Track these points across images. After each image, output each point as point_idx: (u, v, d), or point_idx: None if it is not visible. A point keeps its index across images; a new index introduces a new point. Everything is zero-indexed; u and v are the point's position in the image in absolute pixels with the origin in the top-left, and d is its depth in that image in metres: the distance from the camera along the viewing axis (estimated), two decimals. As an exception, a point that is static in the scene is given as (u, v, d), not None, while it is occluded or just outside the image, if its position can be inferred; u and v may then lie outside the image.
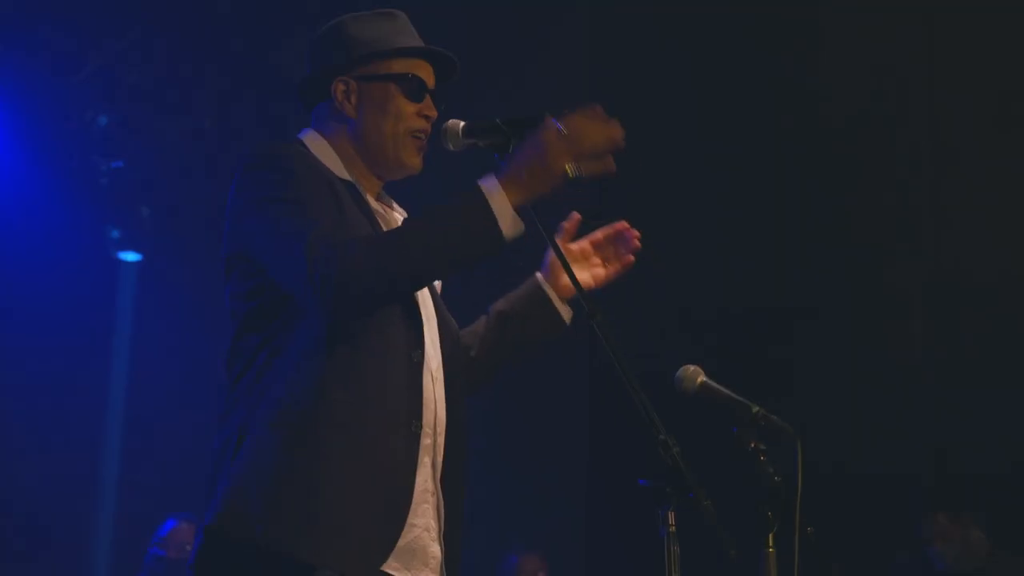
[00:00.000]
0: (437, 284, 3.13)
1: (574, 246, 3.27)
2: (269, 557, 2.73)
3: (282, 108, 7.28)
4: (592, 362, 7.90)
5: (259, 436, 2.78)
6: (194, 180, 7.46)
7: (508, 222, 2.76)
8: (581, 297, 2.95)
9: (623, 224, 3.25)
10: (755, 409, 2.91)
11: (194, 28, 7.30)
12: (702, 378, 3.01)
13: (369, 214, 2.99)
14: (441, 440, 2.95)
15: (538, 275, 3.28)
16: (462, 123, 3.04)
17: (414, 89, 3.06)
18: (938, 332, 7.44)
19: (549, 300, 3.25)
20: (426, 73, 3.10)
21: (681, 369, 3.03)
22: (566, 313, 3.27)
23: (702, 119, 7.68)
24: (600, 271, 3.27)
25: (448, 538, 2.95)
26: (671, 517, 2.77)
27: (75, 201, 7.29)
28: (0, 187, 7.15)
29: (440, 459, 2.95)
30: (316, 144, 3.06)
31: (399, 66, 3.07)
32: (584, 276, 3.22)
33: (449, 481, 2.96)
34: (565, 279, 3.20)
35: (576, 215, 3.21)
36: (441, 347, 3.01)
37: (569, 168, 2.74)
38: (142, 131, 7.30)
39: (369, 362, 2.85)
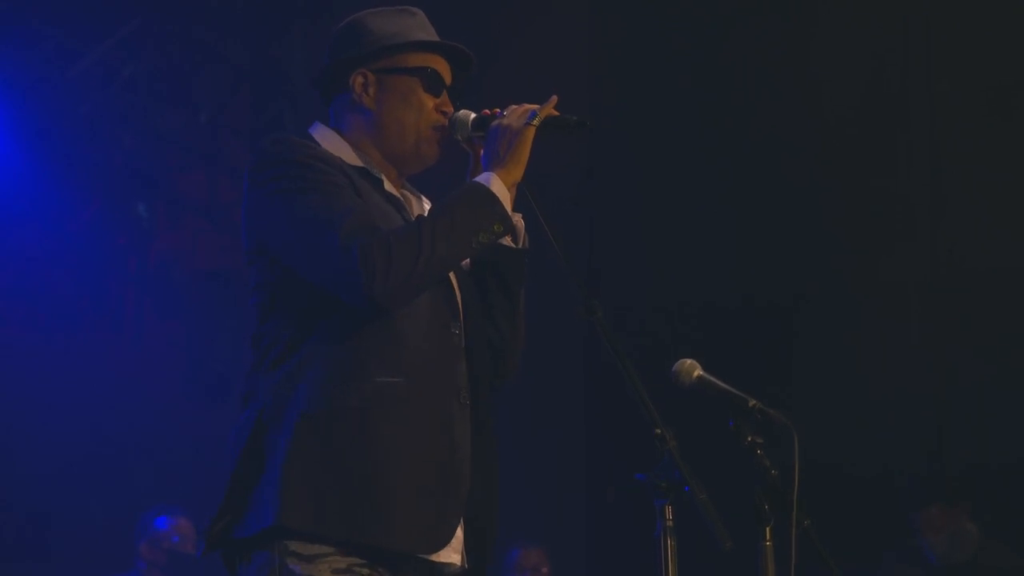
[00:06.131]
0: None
1: None
2: (342, 547, 2.77)
3: (280, 104, 7.29)
4: (587, 356, 7.93)
5: (309, 424, 2.79)
6: (192, 176, 7.46)
7: (508, 198, 2.92)
8: (580, 293, 2.95)
9: None
10: (752, 403, 2.90)
11: (192, 23, 7.30)
12: (699, 371, 3.00)
13: (389, 199, 3.01)
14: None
15: None
16: (472, 114, 3.08)
17: (433, 83, 3.09)
18: (938, 330, 7.43)
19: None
20: (444, 69, 3.13)
21: (678, 363, 3.02)
22: (519, 238, 3.11)
23: (702, 118, 7.68)
24: None
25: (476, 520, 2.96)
26: (668, 511, 2.76)
27: (74, 198, 7.28)
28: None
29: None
30: (326, 137, 3.07)
31: (418, 60, 3.10)
32: None
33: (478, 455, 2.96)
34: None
35: None
36: (466, 323, 3.02)
37: (533, 122, 2.94)
38: (140, 126, 7.29)
39: (410, 340, 2.88)
